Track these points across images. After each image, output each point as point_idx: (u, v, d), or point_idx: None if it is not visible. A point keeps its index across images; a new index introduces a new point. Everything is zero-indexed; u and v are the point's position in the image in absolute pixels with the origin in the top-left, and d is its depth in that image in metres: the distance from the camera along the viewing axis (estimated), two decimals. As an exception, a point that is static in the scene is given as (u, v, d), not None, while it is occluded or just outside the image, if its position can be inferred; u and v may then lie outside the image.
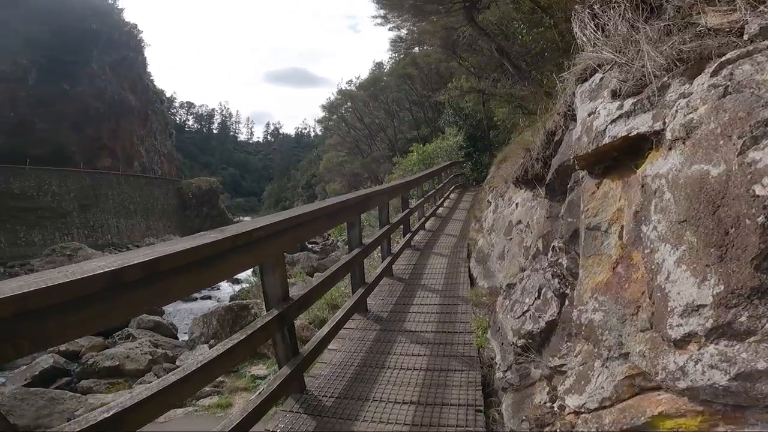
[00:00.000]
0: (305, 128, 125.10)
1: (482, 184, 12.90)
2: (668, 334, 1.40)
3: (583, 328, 1.92)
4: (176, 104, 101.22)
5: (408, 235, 6.95)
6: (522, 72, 12.70)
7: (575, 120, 2.62)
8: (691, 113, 1.55)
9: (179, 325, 11.85)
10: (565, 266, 2.50)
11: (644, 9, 2.31)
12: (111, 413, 1.35)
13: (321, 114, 48.64)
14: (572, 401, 1.88)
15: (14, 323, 1.05)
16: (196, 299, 15.74)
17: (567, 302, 2.37)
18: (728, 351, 1.23)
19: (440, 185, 11.84)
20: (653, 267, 1.55)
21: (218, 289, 16.43)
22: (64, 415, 5.53)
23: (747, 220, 1.23)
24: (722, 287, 1.26)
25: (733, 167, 1.31)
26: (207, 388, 4.91)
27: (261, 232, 2.20)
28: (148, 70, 50.88)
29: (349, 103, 42.58)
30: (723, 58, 1.56)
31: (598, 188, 2.12)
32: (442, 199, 11.90)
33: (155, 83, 55.64)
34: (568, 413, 1.91)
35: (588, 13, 2.73)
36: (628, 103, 1.91)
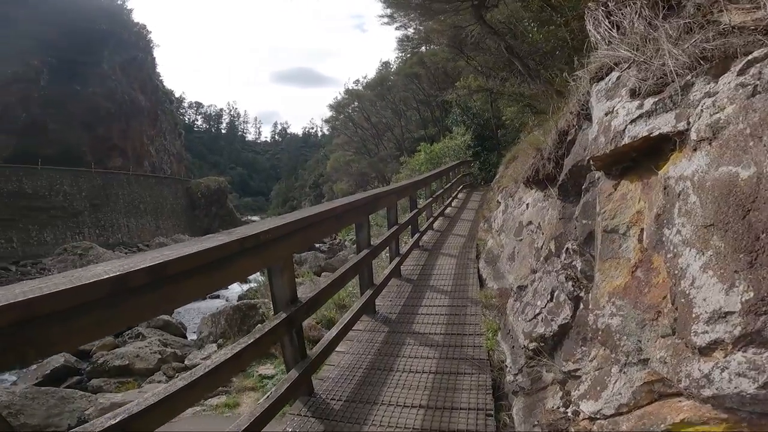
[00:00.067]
0: (312, 128, 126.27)
1: (490, 183, 12.84)
2: (693, 341, 1.36)
3: (600, 332, 1.88)
4: (185, 104, 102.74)
5: (416, 236, 6.91)
6: (531, 70, 12.59)
7: (590, 119, 2.56)
8: (717, 113, 1.49)
9: (188, 324, 11.90)
10: (579, 269, 2.45)
11: (662, 6, 2.25)
12: (118, 420, 1.33)
13: (328, 113, 48.65)
14: (587, 407, 1.84)
15: (18, 330, 1.03)
16: (204, 298, 15.81)
17: (581, 305, 2.32)
18: (757, 359, 1.19)
19: (448, 185, 11.76)
20: (676, 272, 1.50)
21: (227, 288, 16.50)
22: (74, 414, 5.54)
23: (780, 224, 1.18)
24: (752, 294, 1.22)
25: (764, 169, 1.26)
26: (215, 388, 4.89)
27: (269, 235, 2.17)
28: (158, 70, 51.64)
29: (356, 103, 42.58)
30: (750, 57, 1.51)
31: (615, 190, 2.06)
32: (450, 198, 11.82)
33: (164, 83, 56.38)
34: (583, 419, 1.88)
35: (602, 10, 2.67)
36: (649, 102, 1.85)
